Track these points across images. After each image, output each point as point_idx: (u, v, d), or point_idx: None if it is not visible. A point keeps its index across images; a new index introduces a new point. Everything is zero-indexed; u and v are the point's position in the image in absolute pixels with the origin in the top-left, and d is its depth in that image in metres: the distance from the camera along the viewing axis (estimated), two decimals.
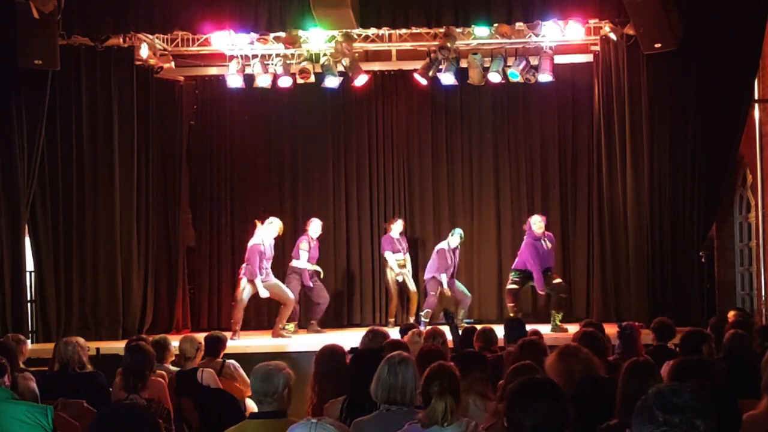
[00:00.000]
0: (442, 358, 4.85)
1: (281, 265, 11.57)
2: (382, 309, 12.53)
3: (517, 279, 11.00)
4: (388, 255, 11.73)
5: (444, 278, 11.31)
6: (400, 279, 11.73)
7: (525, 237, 11.02)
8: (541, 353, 5.40)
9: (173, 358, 7.50)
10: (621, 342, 6.75)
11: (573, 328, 9.27)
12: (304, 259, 11.34)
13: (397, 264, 11.71)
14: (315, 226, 11.53)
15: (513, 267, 11.16)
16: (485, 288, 12.68)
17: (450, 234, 11.63)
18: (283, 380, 4.14)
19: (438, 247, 11.53)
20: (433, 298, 11.37)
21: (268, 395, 4.10)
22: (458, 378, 4.16)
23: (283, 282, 11.13)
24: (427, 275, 11.55)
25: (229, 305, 12.51)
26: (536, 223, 10.93)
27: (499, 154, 12.82)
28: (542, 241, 10.90)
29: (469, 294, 11.67)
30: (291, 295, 10.97)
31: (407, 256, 11.85)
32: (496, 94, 12.61)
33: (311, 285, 11.41)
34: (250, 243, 10.81)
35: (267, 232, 10.90)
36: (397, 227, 11.79)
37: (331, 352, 5.65)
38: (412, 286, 11.84)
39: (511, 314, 10.65)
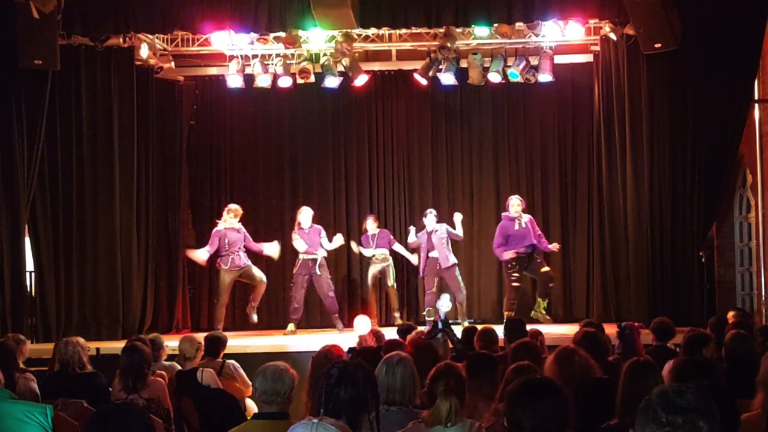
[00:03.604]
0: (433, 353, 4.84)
1: (282, 262, 11.63)
2: (383, 308, 12.52)
3: (517, 275, 11.05)
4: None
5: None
6: (369, 275, 11.85)
7: None
8: (536, 355, 5.38)
9: (165, 357, 7.52)
10: (621, 342, 6.73)
11: (572, 328, 9.25)
12: (300, 248, 11.33)
13: (371, 260, 11.83)
14: (301, 216, 11.48)
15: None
16: (485, 288, 12.67)
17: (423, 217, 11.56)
18: (291, 380, 4.14)
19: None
20: (429, 296, 11.36)
21: (280, 395, 4.09)
22: (464, 378, 4.15)
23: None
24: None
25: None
26: (513, 206, 11.13)
27: (499, 154, 12.82)
28: (516, 222, 11.01)
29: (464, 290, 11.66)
30: (261, 276, 11.22)
31: (377, 251, 11.76)
32: (496, 94, 12.62)
33: (318, 273, 11.37)
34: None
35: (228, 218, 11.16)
36: (368, 225, 11.84)
37: (324, 357, 5.41)
38: (389, 281, 11.82)
39: (506, 312, 10.76)
